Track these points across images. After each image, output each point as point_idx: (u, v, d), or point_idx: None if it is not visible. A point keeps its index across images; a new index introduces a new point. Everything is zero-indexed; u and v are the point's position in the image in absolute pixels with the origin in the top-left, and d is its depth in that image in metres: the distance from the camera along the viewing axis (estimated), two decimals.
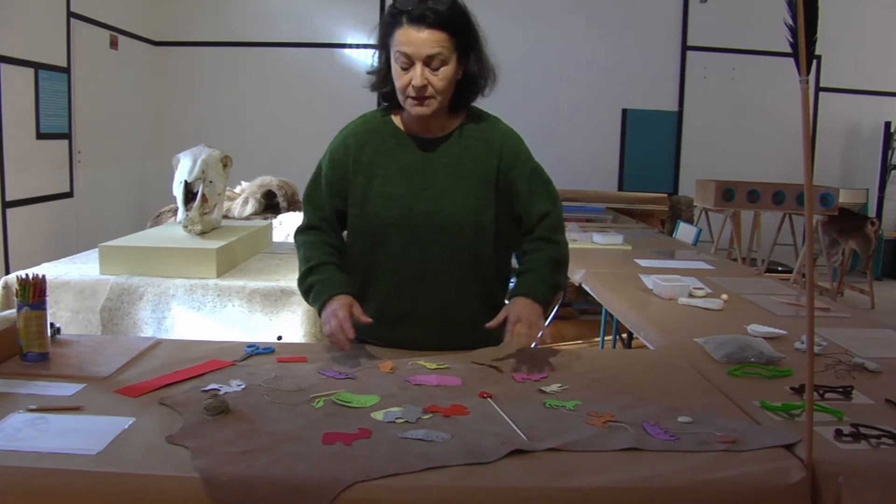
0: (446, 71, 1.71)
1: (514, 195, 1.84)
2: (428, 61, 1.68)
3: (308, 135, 6.99)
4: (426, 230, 1.80)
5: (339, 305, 1.72)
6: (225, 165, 3.06)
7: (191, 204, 2.91)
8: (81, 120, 5.78)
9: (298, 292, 2.61)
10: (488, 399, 1.51)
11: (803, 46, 1.21)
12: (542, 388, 1.58)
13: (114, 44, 6.37)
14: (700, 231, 4.56)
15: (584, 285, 3.02)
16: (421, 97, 1.71)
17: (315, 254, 1.85)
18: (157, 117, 7.19)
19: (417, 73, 1.68)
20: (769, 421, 1.41)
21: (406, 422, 1.37)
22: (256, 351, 1.79)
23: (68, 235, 5.62)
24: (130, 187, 6.76)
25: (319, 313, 1.78)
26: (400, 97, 1.75)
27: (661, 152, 7.64)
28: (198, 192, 2.91)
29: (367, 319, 1.71)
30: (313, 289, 1.81)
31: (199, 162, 2.92)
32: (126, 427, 1.31)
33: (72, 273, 2.70)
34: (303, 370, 1.66)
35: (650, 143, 7.60)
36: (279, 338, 2.57)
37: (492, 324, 1.73)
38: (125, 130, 6.65)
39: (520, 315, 1.71)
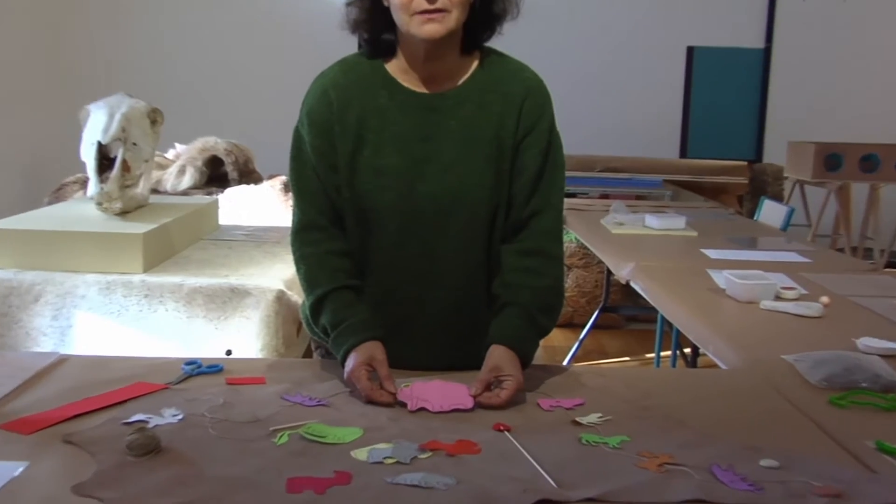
0: None
1: (517, 167, 1.84)
2: None
3: (269, 85, 7.00)
4: (430, 216, 1.81)
5: (359, 363, 1.69)
6: (154, 122, 3.07)
7: (106, 174, 2.92)
8: None
9: (253, 292, 2.67)
10: (505, 433, 1.52)
11: None
12: (577, 419, 1.59)
13: None
14: (792, 211, 4.55)
15: (632, 284, 3.03)
16: (433, 10, 1.67)
17: (322, 275, 1.83)
18: (55, 54, 7.13)
19: None
20: (888, 468, 1.42)
21: (397, 462, 1.38)
22: (198, 370, 1.80)
23: None
24: (17, 149, 6.67)
25: (342, 363, 1.76)
26: (401, 18, 1.71)
27: (739, 105, 7.62)
28: (116, 157, 2.92)
29: (390, 388, 1.67)
30: (329, 333, 1.80)
31: (117, 117, 2.93)
32: (16, 474, 1.31)
33: None
34: (260, 395, 1.67)
35: (725, 92, 7.59)
36: (228, 352, 2.59)
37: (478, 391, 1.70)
38: (8, 71, 6.58)
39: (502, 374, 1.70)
